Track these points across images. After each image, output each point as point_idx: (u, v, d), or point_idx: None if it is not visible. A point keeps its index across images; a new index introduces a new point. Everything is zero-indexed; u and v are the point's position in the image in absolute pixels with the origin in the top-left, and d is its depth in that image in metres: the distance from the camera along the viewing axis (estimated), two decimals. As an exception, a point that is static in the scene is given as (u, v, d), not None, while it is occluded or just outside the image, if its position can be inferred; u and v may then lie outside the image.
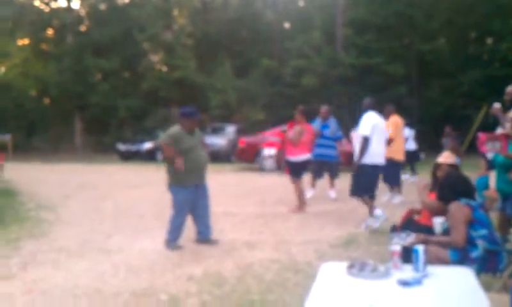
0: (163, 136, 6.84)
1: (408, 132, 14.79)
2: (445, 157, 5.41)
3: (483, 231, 4.33)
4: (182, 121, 6.83)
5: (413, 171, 15.22)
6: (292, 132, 9.27)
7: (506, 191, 5.46)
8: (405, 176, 15.60)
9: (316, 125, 11.06)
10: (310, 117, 9.82)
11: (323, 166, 11.08)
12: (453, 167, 5.25)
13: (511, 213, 5.44)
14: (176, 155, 6.61)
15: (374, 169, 7.70)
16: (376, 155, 7.69)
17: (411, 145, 14.29)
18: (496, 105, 6.78)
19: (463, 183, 4.66)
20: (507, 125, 6.45)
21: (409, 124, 14.91)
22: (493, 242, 4.35)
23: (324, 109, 11.13)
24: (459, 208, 4.39)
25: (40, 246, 6.96)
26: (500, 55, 26.60)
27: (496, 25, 26.63)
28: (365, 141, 7.48)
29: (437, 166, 5.43)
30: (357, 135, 7.86)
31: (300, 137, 9.14)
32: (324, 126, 10.97)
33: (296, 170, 9.31)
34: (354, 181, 7.80)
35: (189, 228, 7.13)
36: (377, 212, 7.72)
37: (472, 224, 4.34)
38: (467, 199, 4.47)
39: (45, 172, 18.25)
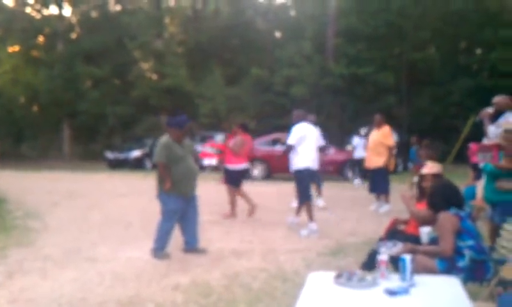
0: (158, 153, 6.74)
1: (358, 141, 15.29)
2: (429, 168, 5.41)
3: (470, 242, 4.33)
4: (169, 131, 6.83)
5: (362, 178, 15.61)
6: (234, 142, 9.70)
7: (494, 200, 5.48)
8: (357, 181, 15.90)
9: None
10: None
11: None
12: (438, 176, 5.26)
13: (499, 222, 5.45)
14: (168, 177, 6.61)
15: (308, 172, 8.49)
16: (309, 161, 8.48)
17: (361, 153, 14.43)
18: (489, 110, 6.82)
19: (453, 192, 4.65)
20: (491, 129, 6.49)
21: (359, 133, 15.98)
22: (480, 251, 4.35)
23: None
24: (448, 218, 4.38)
25: (26, 255, 6.90)
26: (489, 65, 26.79)
27: (486, 35, 26.80)
28: (290, 149, 8.50)
29: (422, 177, 5.43)
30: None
31: (241, 147, 9.61)
32: None
33: (234, 178, 9.78)
34: (298, 189, 8.57)
35: (177, 237, 7.09)
36: (313, 226, 8.26)
37: (459, 234, 4.34)
38: (456, 208, 4.47)
39: (32, 179, 18.13)
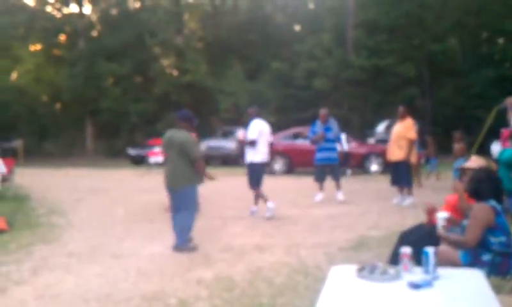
0: (196, 149, 6.94)
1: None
2: (473, 161, 5.32)
3: (502, 238, 4.25)
4: (186, 125, 7.00)
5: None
6: None
7: (510, 189, 5.40)
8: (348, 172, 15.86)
9: (317, 128, 11.03)
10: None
11: (325, 169, 11.04)
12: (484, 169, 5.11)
13: None
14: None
15: (262, 165, 9.37)
16: (263, 154, 9.29)
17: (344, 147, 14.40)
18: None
19: (495, 183, 4.55)
20: None
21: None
22: (508, 247, 4.29)
23: (323, 111, 11.11)
24: (483, 209, 4.29)
25: (51, 251, 6.99)
26: (511, 55, 26.40)
27: (508, 25, 26.42)
28: (252, 144, 9.12)
29: (464, 171, 5.32)
30: (246, 138, 9.39)
31: None
32: (327, 129, 10.94)
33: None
34: (249, 177, 9.40)
35: (197, 231, 7.13)
36: (270, 204, 9.18)
37: (493, 229, 4.25)
38: (495, 201, 4.39)
39: (56, 177, 18.37)
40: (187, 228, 6.86)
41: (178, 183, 6.84)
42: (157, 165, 15.26)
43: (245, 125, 10.13)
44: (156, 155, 15.49)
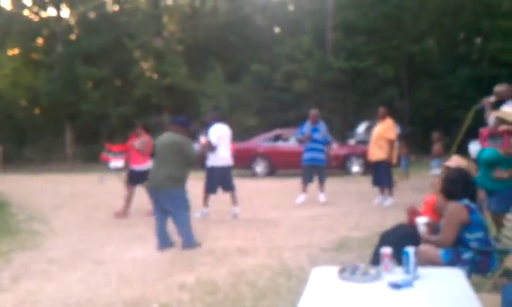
0: (193, 150, 7.21)
1: None
2: (455, 161, 5.39)
3: (479, 234, 4.32)
4: (183, 130, 7.26)
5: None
6: (140, 142, 9.76)
7: (490, 188, 5.47)
8: None
9: (306, 128, 11.11)
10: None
11: (313, 170, 11.10)
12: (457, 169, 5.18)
13: (495, 210, 5.47)
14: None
15: (222, 170, 9.61)
16: (223, 159, 9.56)
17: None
18: (491, 99, 6.83)
19: (468, 182, 4.62)
20: (490, 119, 6.48)
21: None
22: (487, 244, 4.36)
23: (313, 112, 11.19)
24: (456, 208, 4.37)
25: (31, 258, 6.92)
26: (488, 55, 26.74)
27: (485, 25, 26.75)
28: (214, 149, 8.71)
29: (447, 170, 5.38)
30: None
31: (147, 147, 9.61)
32: (314, 130, 11.01)
33: (138, 178, 9.93)
34: (207, 180, 9.69)
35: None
36: (206, 210, 9.68)
37: (468, 226, 4.33)
38: (469, 200, 4.46)
39: (36, 182, 18.19)
40: (188, 227, 7.06)
41: (169, 184, 6.95)
42: (117, 170, 15.12)
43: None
44: (116, 160, 15.39)
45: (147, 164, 9.67)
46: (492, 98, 6.87)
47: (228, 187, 9.73)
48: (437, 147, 10.33)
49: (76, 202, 12.61)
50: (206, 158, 8.66)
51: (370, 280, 3.41)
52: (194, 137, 7.43)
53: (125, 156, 11.64)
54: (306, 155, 11.08)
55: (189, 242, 6.98)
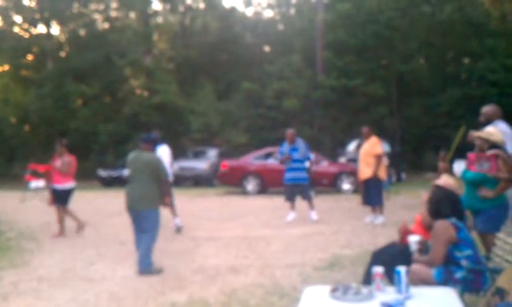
0: (163, 171, 6.99)
1: None
2: (444, 181, 5.41)
3: (468, 251, 4.33)
4: (148, 147, 7.09)
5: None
6: (61, 162, 10.00)
7: (476, 207, 5.49)
8: None
9: (284, 148, 11.16)
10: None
11: (295, 189, 11.12)
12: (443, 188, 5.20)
13: (481, 230, 5.48)
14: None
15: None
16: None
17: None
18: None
19: (454, 201, 4.65)
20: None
21: None
22: (477, 262, 4.37)
23: (289, 132, 11.27)
24: (443, 227, 4.38)
25: (21, 276, 6.87)
26: (477, 74, 26.97)
27: (473, 45, 27.06)
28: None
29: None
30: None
31: (69, 167, 10.00)
32: (293, 149, 11.08)
33: (62, 198, 10.09)
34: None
35: (170, 253, 7.08)
36: (178, 220, 10.11)
37: (456, 244, 4.33)
38: (455, 219, 4.48)
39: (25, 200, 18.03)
40: (149, 252, 6.80)
41: (143, 205, 6.82)
42: (37, 190, 15.03)
43: (217, 145, 10.23)
44: (37, 180, 15.28)
45: (69, 184, 10.05)
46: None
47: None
48: (443, 165, 10.37)
49: (66, 220, 12.49)
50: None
51: (363, 300, 3.41)
52: None
53: (46, 176, 11.73)
54: (288, 175, 11.15)
55: (144, 269, 6.73)
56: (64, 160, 9.97)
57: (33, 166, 16.14)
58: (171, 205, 9.98)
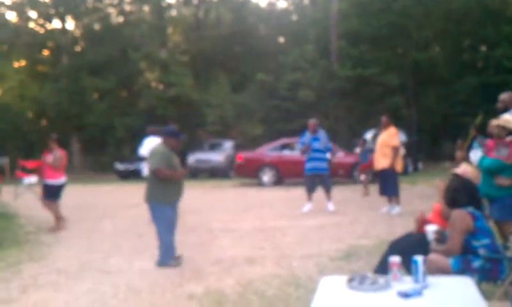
0: (157, 160, 6.73)
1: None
2: (463, 169, 5.37)
3: (485, 241, 4.30)
4: (168, 140, 6.92)
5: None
6: (53, 157, 9.97)
7: (492, 195, 5.45)
8: None
9: (306, 138, 11.10)
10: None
11: (315, 179, 11.08)
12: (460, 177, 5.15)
13: (498, 218, 5.45)
14: (173, 171, 6.75)
15: None
16: None
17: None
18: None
19: (471, 190, 4.62)
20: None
21: None
22: (495, 250, 4.33)
23: (311, 122, 11.18)
24: (460, 216, 4.35)
25: (39, 269, 6.94)
26: (494, 62, 26.69)
27: (490, 33, 26.76)
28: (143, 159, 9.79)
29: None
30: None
31: (60, 162, 9.99)
32: (315, 139, 11.00)
33: (54, 192, 10.08)
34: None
35: (186, 245, 7.10)
36: None
37: (474, 233, 4.30)
38: (472, 208, 4.45)
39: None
40: (164, 246, 6.78)
41: (147, 198, 6.85)
42: (30, 185, 15.11)
43: (233, 137, 10.26)
44: (30, 176, 15.36)
45: (61, 179, 10.06)
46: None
47: None
48: (461, 154, 10.30)
49: (83, 213, 12.63)
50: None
51: (379, 289, 3.40)
52: (185, 150, 7.35)
53: (38, 172, 11.82)
54: (308, 165, 11.09)
55: (160, 262, 6.74)
56: (56, 155, 9.99)
57: (22, 162, 16.24)
58: None
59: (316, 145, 10.96)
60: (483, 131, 7.24)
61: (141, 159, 10.44)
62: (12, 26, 33.37)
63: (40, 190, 10.77)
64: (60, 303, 5.41)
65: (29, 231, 10.14)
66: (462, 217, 4.35)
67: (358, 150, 15.90)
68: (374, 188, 12.39)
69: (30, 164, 14.64)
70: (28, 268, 6.97)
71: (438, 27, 28.65)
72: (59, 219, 10.15)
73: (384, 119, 10.67)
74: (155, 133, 10.39)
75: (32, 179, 13.63)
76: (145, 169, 9.91)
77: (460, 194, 4.54)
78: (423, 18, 27.89)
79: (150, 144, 9.96)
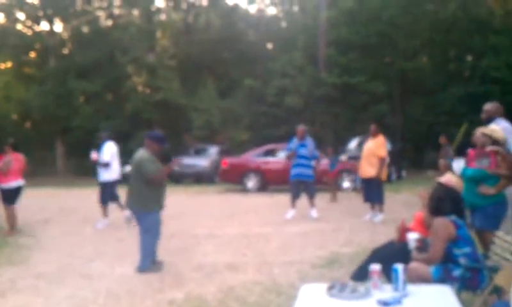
0: (149, 168, 6.63)
1: None
2: (447, 179, 5.39)
3: (466, 249, 4.31)
4: (153, 145, 6.84)
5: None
6: (2, 162, 10.04)
7: (475, 204, 5.47)
8: None
9: (293, 144, 11.11)
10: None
11: (300, 186, 11.08)
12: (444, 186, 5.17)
13: (479, 226, 5.47)
14: (164, 173, 6.85)
15: (114, 183, 10.88)
16: (115, 172, 10.86)
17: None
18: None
19: (455, 199, 4.63)
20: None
21: None
22: (475, 260, 4.34)
23: (300, 128, 11.18)
24: (443, 224, 4.36)
25: (19, 273, 6.86)
26: (480, 72, 26.86)
27: (476, 42, 26.96)
28: (107, 165, 10.59)
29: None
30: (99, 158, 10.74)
31: (9, 166, 10.03)
32: (302, 146, 11.00)
33: (8, 196, 10.14)
34: (102, 193, 10.78)
35: (168, 251, 7.05)
36: (106, 220, 10.73)
37: (455, 241, 4.32)
38: (455, 216, 4.45)
39: (25, 196, 17.97)
40: (147, 252, 6.73)
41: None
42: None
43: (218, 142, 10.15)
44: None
45: (13, 182, 10.09)
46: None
47: (116, 197, 10.96)
48: (444, 162, 10.35)
49: (65, 216, 12.53)
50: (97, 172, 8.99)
51: (359, 297, 3.39)
52: (166, 157, 7.23)
53: None
54: (294, 171, 11.09)
55: (141, 268, 6.67)
56: (5, 160, 10.06)
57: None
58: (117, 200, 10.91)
59: (303, 152, 10.96)
60: (467, 141, 7.27)
61: (106, 164, 10.65)
62: (-1, 27, 33.15)
63: None
64: (39, 308, 5.34)
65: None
66: (445, 225, 4.36)
67: (325, 160, 15.99)
68: (358, 195, 12.42)
69: None
70: (7, 272, 6.89)
71: (425, 37, 28.81)
72: (11, 225, 10.10)
73: (373, 127, 10.67)
74: (110, 138, 11.04)
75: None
76: (103, 174, 10.70)
77: (444, 203, 4.55)
78: (410, 28, 28.03)
79: (110, 149, 10.76)
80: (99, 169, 10.80)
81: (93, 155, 10.84)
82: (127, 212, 10.05)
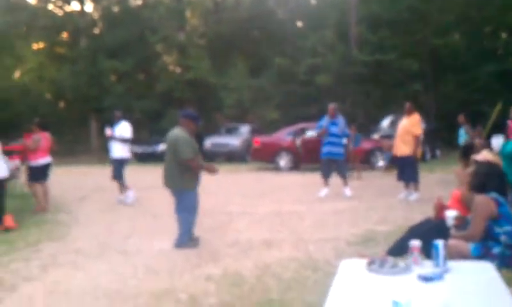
0: (186, 150, 6.63)
1: None
2: (484, 155, 5.33)
3: (507, 227, 4.25)
4: (191, 124, 6.88)
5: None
6: (32, 140, 10.21)
7: None
8: None
9: (324, 122, 11.06)
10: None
11: (331, 164, 11.04)
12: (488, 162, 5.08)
13: None
14: (204, 164, 7.03)
15: (126, 161, 11.58)
16: (128, 152, 11.60)
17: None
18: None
19: (497, 176, 4.56)
20: None
21: None
22: (516, 238, 4.29)
23: (331, 106, 11.12)
24: (483, 201, 4.30)
25: (58, 248, 7.02)
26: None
27: (511, 19, 26.32)
28: (127, 141, 11.34)
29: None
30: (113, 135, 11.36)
31: (38, 144, 10.12)
32: (333, 124, 10.95)
33: (36, 174, 10.25)
34: (115, 169, 11.27)
35: (203, 228, 7.12)
36: (131, 193, 11.23)
37: (497, 219, 4.26)
38: (497, 193, 4.40)
39: (61, 175, 18.30)
40: (185, 229, 6.81)
41: (170, 184, 6.86)
42: (17, 168, 15.14)
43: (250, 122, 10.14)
44: (12, 159, 15.38)
45: (43, 160, 10.21)
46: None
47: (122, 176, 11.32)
48: (479, 141, 10.23)
49: (101, 194, 12.75)
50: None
51: (400, 273, 3.39)
52: (199, 135, 7.26)
53: (21, 155, 12.07)
54: (324, 149, 11.05)
55: (178, 244, 6.76)
56: (34, 138, 10.20)
57: (7, 147, 16.41)
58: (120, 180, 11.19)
59: (333, 130, 10.92)
60: (504, 118, 7.17)
61: (126, 140, 11.37)
62: (31, 8, 33.47)
63: (24, 173, 10.94)
64: (80, 282, 5.47)
65: (48, 211, 10.23)
66: (486, 202, 4.30)
67: (376, 136, 15.92)
68: (391, 174, 12.34)
69: (14, 148, 14.76)
70: (47, 247, 7.06)
71: (458, 13, 28.20)
72: (39, 202, 10.23)
73: (408, 105, 10.55)
74: (123, 118, 11.61)
75: (16, 162, 13.84)
76: (118, 151, 11.22)
77: (489, 179, 4.48)
78: (443, 3, 27.45)
79: (129, 127, 11.41)
80: (111, 146, 11.34)
81: (108, 131, 11.44)
82: (122, 196, 11.16)
